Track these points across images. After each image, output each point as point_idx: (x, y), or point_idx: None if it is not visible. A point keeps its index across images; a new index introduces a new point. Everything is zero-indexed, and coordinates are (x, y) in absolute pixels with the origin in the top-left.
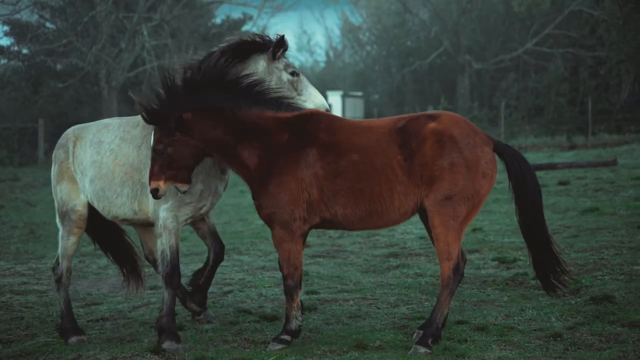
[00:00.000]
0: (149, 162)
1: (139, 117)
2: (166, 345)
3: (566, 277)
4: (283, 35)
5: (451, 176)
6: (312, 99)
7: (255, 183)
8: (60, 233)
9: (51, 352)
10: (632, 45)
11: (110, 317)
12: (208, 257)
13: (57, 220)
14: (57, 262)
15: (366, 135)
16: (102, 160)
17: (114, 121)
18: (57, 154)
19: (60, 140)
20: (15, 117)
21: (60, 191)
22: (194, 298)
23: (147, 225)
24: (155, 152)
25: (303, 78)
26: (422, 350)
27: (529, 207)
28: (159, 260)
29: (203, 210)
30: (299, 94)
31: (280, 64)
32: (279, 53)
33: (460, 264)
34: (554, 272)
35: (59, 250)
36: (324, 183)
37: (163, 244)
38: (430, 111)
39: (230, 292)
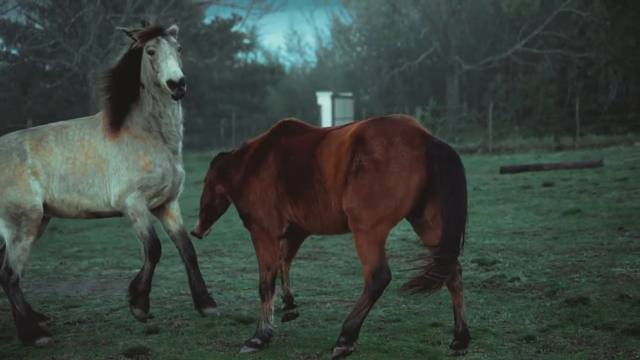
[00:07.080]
0: (113, 153)
1: (96, 117)
2: (137, 312)
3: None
4: (142, 20)
5: (356, 181)
6: (163, 73)
7: (235, 192)
8: (10, 237)
9: (25, 355)
10: (620, 46)
11: (87, 319)
12: (183, 260)
13: (4, 224)
14: (10, 269)
15: (310, 138)
16: (75, 156)
17: (68, 123)
18: (8, 157)
19: (9, 145)
20: (5, 117)
21: (14, 194)
22: (200, 304)
23: (113, 217)
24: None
25: (160, 52)
26: (336, 348)
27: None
28: (141, 241)
29: (165, 191)
30: (157, 71)
31: (146, 48)
32: (137, 42)
33: (381, 269)
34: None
35: (12, 255)
36: (277, 182)
37: (140, 227)
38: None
39: (209, 294)
